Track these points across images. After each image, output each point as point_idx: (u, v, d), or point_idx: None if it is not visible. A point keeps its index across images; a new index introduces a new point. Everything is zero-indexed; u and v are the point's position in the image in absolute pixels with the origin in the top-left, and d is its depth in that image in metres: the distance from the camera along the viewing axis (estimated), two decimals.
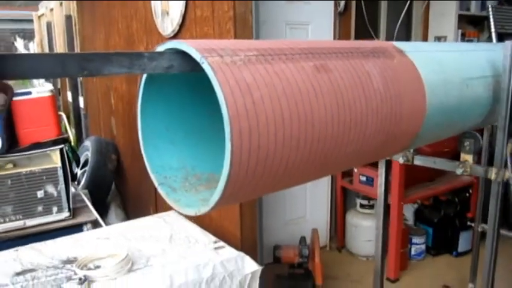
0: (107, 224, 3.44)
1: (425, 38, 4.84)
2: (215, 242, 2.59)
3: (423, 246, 4.08)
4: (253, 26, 2.78)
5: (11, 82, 0.75)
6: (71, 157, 3.39)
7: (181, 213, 2.99)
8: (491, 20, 3.22)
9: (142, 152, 0.98)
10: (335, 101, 0.90)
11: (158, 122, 0.99)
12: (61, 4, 7.91)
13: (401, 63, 1.16)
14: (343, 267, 3.98)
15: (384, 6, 4.52)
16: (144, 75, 0.94)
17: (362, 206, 4.09)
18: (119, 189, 5.04)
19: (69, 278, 2.16)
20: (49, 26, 9.03)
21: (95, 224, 3.23)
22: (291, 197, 3.98)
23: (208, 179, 1.01)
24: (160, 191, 0.97)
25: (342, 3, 4.01)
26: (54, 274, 2.23)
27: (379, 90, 1.02)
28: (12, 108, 3.09)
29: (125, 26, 4.38)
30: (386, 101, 1.03)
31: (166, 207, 3.07)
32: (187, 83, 1.01)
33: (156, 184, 0.98)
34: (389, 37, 4.43)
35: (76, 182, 4.38)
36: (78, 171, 4.68)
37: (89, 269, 2.23)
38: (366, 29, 4.25)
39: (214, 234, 2.73)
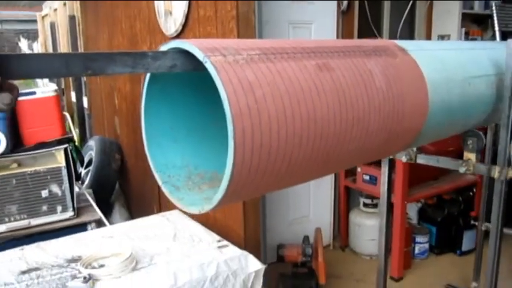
0: (111, 223, 3.45)
1: (428, 37, 4.83)
2: (219, 241, 2.60)
3: (427, 245, 4.07)
4: (256, 26, 2.78)
5: (15, 82, 0.76)
6: (75, 157, 3.40)
7: (184, 212, 2.99)
8: (495, 18, 3.22)
9: (146, 150, 0.99)
10: (337, 99, 0.91)
11: (162, 121, 1.00)
12: (65, 4, 7.94)
13: (404, 62, 1.16)
14: (347, 266, 3.98)
15: (387, 5, 4.51)
16: (148, 75, 0.94)
17: (365, 205, 4.09)
18: (123, 188, 5.06)
19: (73, 277, 2.17)
20: (53, 26, 9.06)
21: (99, 223, 3.25)
22: (295, 197, 3.98)
23: (212, 178, 1.01)
24: (164, 189, 0.97)
25: (345, 2, 4.01)
26: (59, 273, 2.25)
27: (382, 88, 1.03)
28: (17, 108, 3.11)
29: (128, 26, 4.39)
30: (389, 99, 1.04)
31: (170, 206, 3.08)
32: (191, 82, 1.01)
33: (159, 183, 0.98)
34: (392, 36, 4.43)
35: (80, 182, 4.40)
36: (82, 170, 4.70)
37: (94, 267, 2.25)
38: (369, 28, 4.25)
39: (218, 233, 2.74)
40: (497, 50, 1.66)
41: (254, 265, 2.44)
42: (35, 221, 3.04)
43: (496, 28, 3.21)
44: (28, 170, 3.01)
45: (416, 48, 1.27)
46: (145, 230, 2.78)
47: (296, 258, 3.30)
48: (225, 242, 2.58)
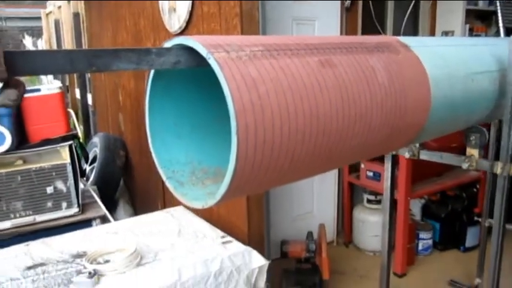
0: (115, 219, 3.47)
1: (432, 33, 4.81)
2: (223, 237, 2.61)
3: (430, 242, 4.08)
4: (259, 22, 2.79)
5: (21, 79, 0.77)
6: (79, 153, 3.42)
7: (189, 208, 3.00)
8: (499, 14, 3.20)
9: (150, 146, 1.00)
10: (340, 95, 0.91)
11: (166, 117, 1.00)
12: (69, 2, 7.95)
13: (406, 58, 1.16)
14: (350, 262, 3.99)
15: (390, 1, 4.50)
16: (152, 71, 0.95)
17: (369, 201, 4.09)
18: (127, 185, 5.08)
19: (79, 272, 2.19)
20: (57, 23, 9.07)
21: (104, 220, 3.26)
22: (298, 193, 3.99)
23: (215, 173, 1.02)
24: (168, 185, 0.98)
25: None
26: (64, 268, 2.27)
27: (384, 84, 1.03)
28: (22, 105, 3.13)
29: (133, 23, 4.40)
30: (391, 94, 1.04)
31: (174, 203, 3.09)
32: (194, 78, 1.02)
33: (164, 178, 0.99)
34: (396, 33, 4.42)
35: (85, 178, 4.42)
36: (87, 167, 4.72)
37: (98, 263, 2.27)
38: (372, 25, 4.24)
39: (222, 229, 2.75)
40: (499, 46, 1.66)
41: (258, 261, 2.46)
42: (40, 217, 3.06)
43: (501, 24, 3.19)
44: (33, 166, 3.03)
45: (419, 44, 1.27)
46: (150, 226, 2.80)
47: (300, 254, 3.31)
48: (229, 238, 2.59)
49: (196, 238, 2.61)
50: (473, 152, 1.87)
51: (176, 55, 0.83)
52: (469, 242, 4.08)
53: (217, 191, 0.83)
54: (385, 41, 1.17)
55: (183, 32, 3.24)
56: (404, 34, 4.11)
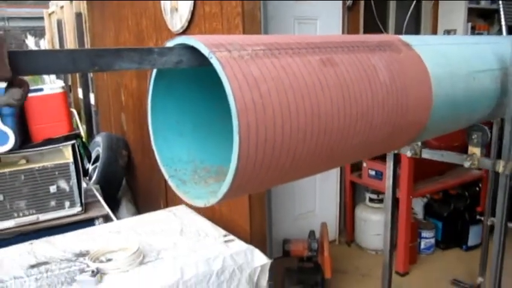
0: (118, 218, 3.48)
1: (434, 32, 4.81)
2: (225, 236, 2.61)
3: (432, 240, 4.08)
4: (261, 22, 2.79)
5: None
6: (82, 153, 3.43)
7: (191, 207, 3.00)
8: (502, 13, 3.19)
9: (153, 145, 1.00)
10: (341, 94, 0.92)
11: (168, 116, 1.01)
12: (71, 2, 7.96)
13: (408, 57, 1.17)
14: (352, 261, 3.99)
15: (392, 0, 4.49)
16: (154, 71, 0.95)
17: (371, 200, 4.09)
18: (130, 184, 5.09)
19: (82, 271, 2.20)
20: (59, 23, 9.09)
21: (107, 219, 3.27)
22: (300, 192, 3.99)
23: (217, 172, 1.03)
24: (171, 183, 0.99)
25: None
26: (67, 267, 2.28)
27: (385, 83, 1.03)
28: (25, 104, 3.14)
29: (135, 23, 4.41)
30: (392, 93, 1.05)
31: (177, 202, 3.10)
32: (196, 77, 1.03)
33: (166, 177, 1.00)
34: (398, 32, 4.41)
35: (88, 178, 4.44)
36: (90, 166, 4.73)
37: (101, 261, 2.27)
38: (374, 24, 4.23)
39: (224, 228, 2.75)
40: (501, 45, 1.66)
41: (260, 259, 2.46)
42: (43, 216, 3.07)
43: (503, 23, 3.18)
44: (36, 166, 3.04)
45: (420, 43, 1.27)
46: (152, 225, 2.80)
47: (302, 253, 3.31)
48: (231, 237, 2.60)
49: (199, 237, 2.62)
50: (475, 150, 1.87)
51: (178, 54, 0.83)
52: (472, 240, 4.08)
53: (219, 190, 0.83)
54: (387, 39, 1.18)
55: (185, 32, 3.25)
56: (406, 33, 4.10)
